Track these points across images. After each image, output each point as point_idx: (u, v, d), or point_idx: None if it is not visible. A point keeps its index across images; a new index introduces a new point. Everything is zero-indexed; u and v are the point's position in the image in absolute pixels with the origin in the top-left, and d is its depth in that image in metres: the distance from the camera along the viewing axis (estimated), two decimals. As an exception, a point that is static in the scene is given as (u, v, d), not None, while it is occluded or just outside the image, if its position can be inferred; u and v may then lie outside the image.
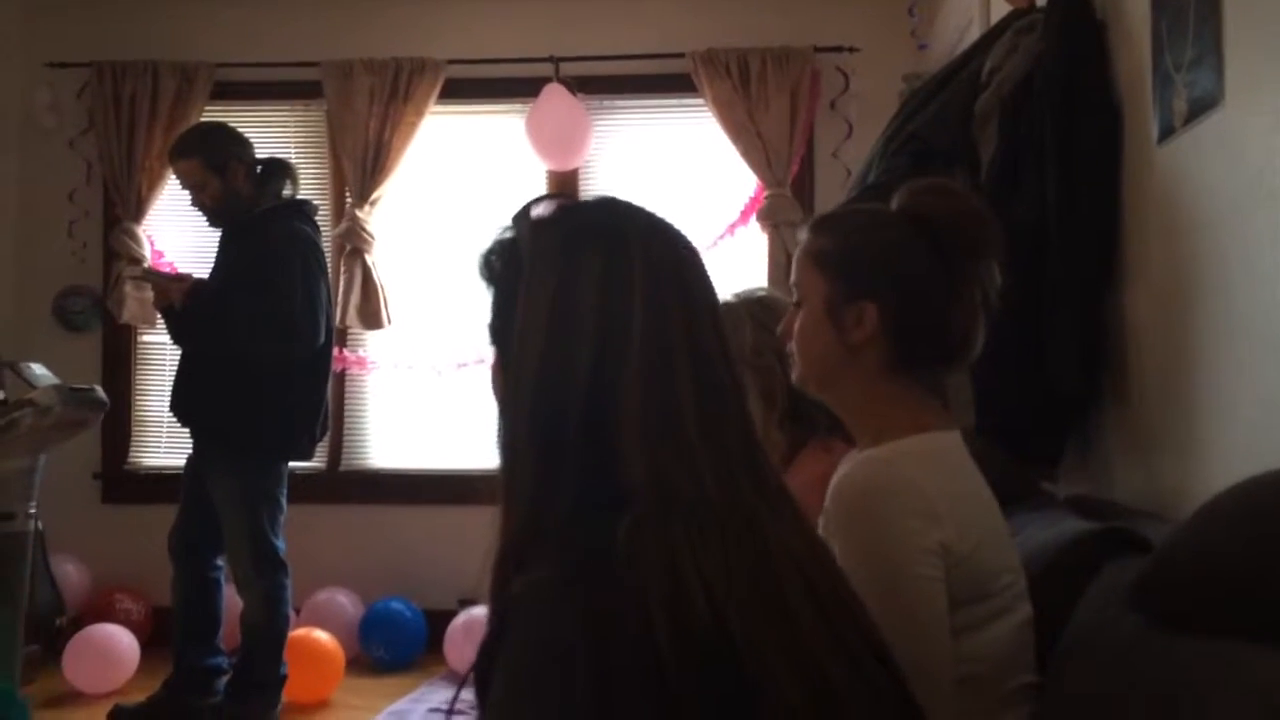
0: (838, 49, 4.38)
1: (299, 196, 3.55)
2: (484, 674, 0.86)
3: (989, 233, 1.31)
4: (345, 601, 4.28)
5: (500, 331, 0.98)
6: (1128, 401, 1.96)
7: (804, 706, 0.82)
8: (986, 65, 2.35)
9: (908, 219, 1.31)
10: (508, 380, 0.96)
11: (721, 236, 4.44)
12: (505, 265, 0.99)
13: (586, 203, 1.00)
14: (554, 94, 4.42)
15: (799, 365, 1.36)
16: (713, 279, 0.99)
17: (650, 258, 0.94)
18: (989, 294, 1.32)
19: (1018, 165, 2.15)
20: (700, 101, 4.43)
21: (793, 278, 1.37)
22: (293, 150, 4.60)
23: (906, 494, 1.18)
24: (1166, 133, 1.78)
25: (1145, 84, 1.85)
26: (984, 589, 1.20)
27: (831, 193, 4.14)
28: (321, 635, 3.81)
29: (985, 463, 1.49)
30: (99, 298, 4.63)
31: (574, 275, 0.93)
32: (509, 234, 1.00)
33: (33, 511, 3.07)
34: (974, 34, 3.14)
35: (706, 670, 0.80)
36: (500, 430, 0.96)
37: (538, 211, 0.98)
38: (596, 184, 4.62)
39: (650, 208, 0.99)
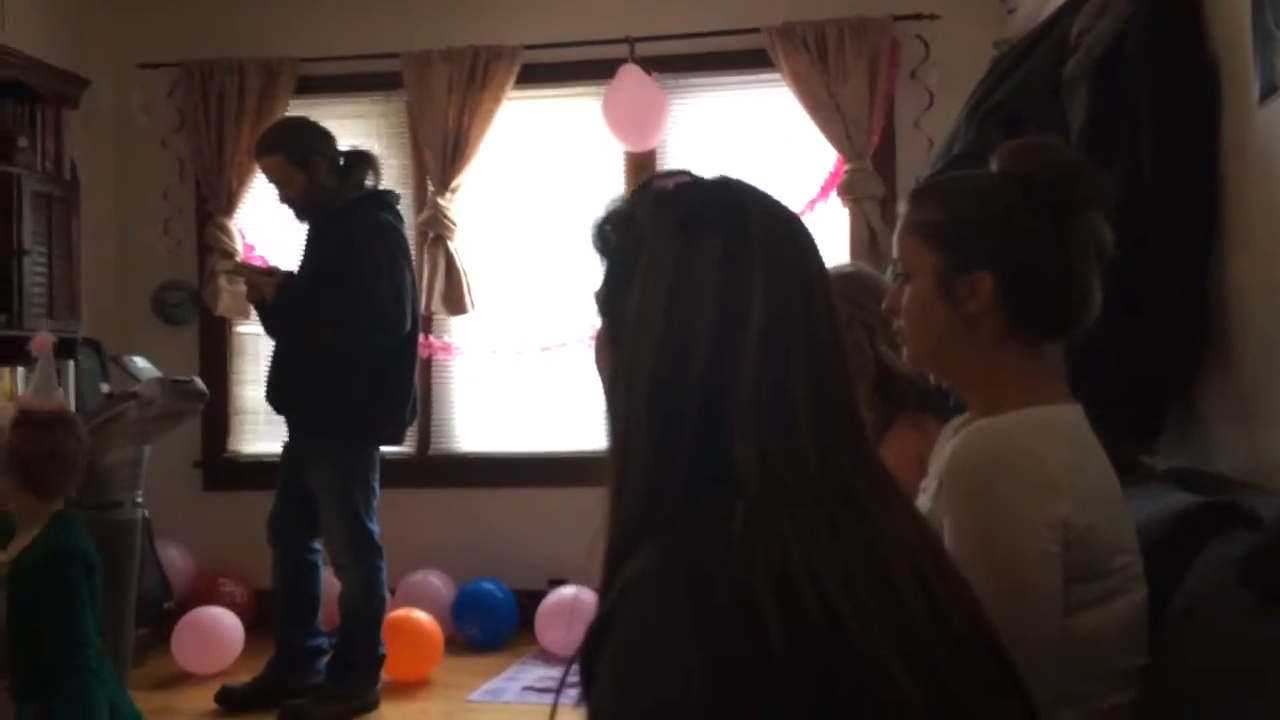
0: (917, 16, 4.29)
1: (382, 186, 3.61)
2: (590, 658, 0.85)
3: (1094, 184, 1.27)
4: (438, 583, 4.37)
5: (611, 303, 0.97)
6: (1230, 371, 1.90)
7: (916, 700, 0.81)
8: (1074, 28, 2.28)
9: (1010, 180, 1.27)
10: (620, 357, 0.94)
11: (801, 213, 4.40)
12: (621, 237, 0.97)
13: (706, 180, 0.98)
14: (629, 75, 4.41)
15: (911, 343, 1.33)
16: (824, 258, 0.98)
17: (770, 237, 0.93)
18: (1103, 249, 1.28)
19: (1109, 131, 2.09)
20: (777, 76, 4.39)
21: (895, 253, 1.34)
22: (375, 141, 4.67)
23: (1027, 465, 1.15)
24: (1268, 92, 1.72)
25: (1244, 42, 1.79)
26: (1099, 567, 1.17)
27: (913, 165, 4.06)
28: (421, 615, 3.89)
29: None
30: (195, 292, 4.77)
31: (696, 253, 0.92)
32: (625, 205, 0.98)
33: (139, 500, 3.18)
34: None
35: (819, 665, 0.80)
36: (612, 408, 0.95)
37: (658, 186, 0.97)
38: (674, 164, 4.61)
39: (763, 187, 0.98)
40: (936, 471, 1.31)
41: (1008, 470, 1.15)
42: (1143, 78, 2.01)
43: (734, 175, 0.99)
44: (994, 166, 1.31)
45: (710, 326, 0.89)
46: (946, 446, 1.32)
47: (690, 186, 0.97)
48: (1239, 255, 1.88)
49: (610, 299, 0.97)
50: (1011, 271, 1.24)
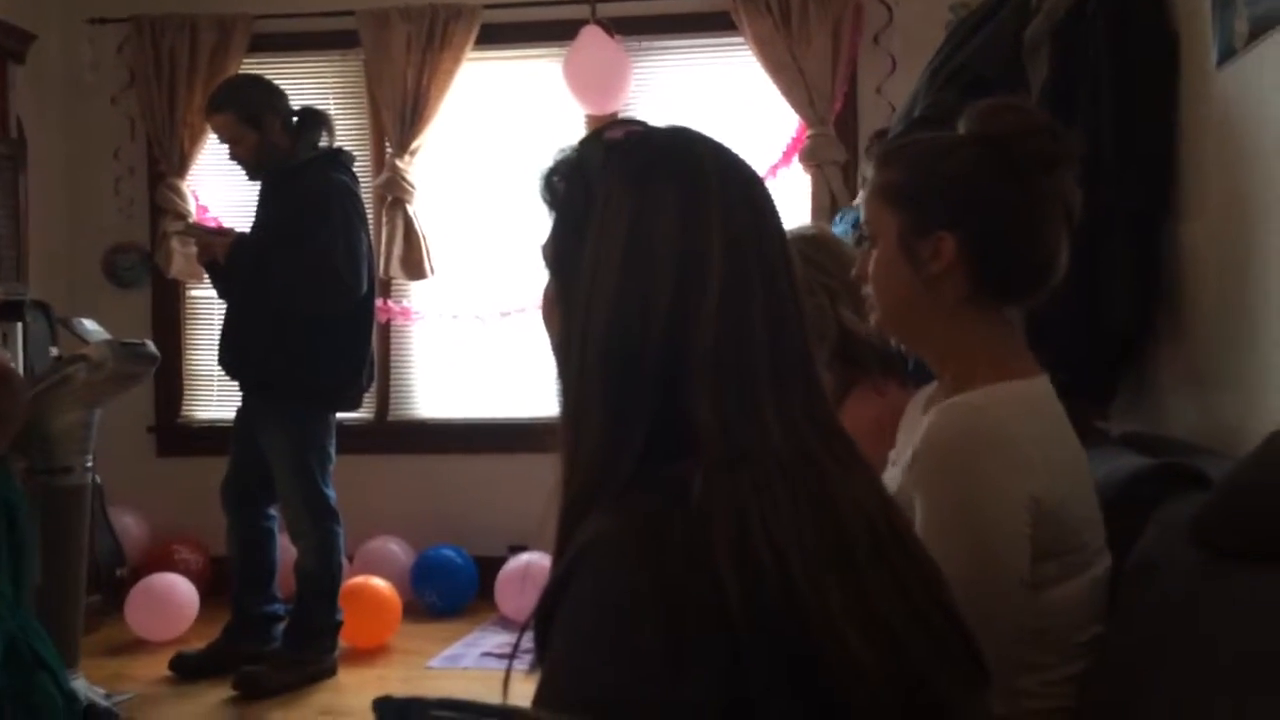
0: (880, -16, 4.27)
1: (336, 145, 3.55)
2: (544, 624, 0.84)
3: (1063, 145, 1.26)
4: (397, 549, 4.35)
5: (560, 259, 0.93)
6: (1183, 336, 1.91)
7: (872, 665, 0.80)
8: (1036, -8, 2.27)
9: (978, 141, 1.25)
10: (572, 314, 0.90)
11: (763, 178, 4.38)
12: (571, 189, 0.93)
13: (658, 129, 0.95)
14: (591, 36, 4.36)
15: (878, 307, 1.31)
16: (780, 210, 0.95)
17: (727, 189, 0.90)
18: (1071, 212, 1.27)
19: (1070, 93, 2.09)
20: (740, 40, 4.35)
21: (863, 216, 1.33)
22: (331, 101, 4.59)
23: (1001, 444, 1.15)
24: (1226, 55, 1.71)
25: (1203, 5, 1.78)
26: (1066, 544, 1.18)
27: (875, 129, 4.05)
28: (379, 582, 3.87)
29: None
30: (147, 254, 4.69)
31: (651, 205, 0.88)
32: (574, 156, 0.94)
33: (90, 465, 3.13)
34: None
35: (775, 629, 0.79)
36: (564, 368, 0.91)
37: (609, 136, 0.93)
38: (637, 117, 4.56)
39: (716, 137, 0.95)
40: (908, 442, 1.30)
41: (982, 449, 1.14)
42: (1103, 41, 2.01)
43: (686, 125, 0.97)
44: (961, 128, 1.30)
45: (668, 282, 0.86)
46: (919, 419, 1.30)
47: (642, 136, 0.94)
48: (1193, 220, 1.88)
49: (560, 254, 0.94)
50: (973, 232, 1.22)
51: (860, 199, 1.40)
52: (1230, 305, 1.73)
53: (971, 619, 0.89)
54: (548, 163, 0.97)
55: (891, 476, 1.29)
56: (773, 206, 0.95)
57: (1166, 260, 1.95)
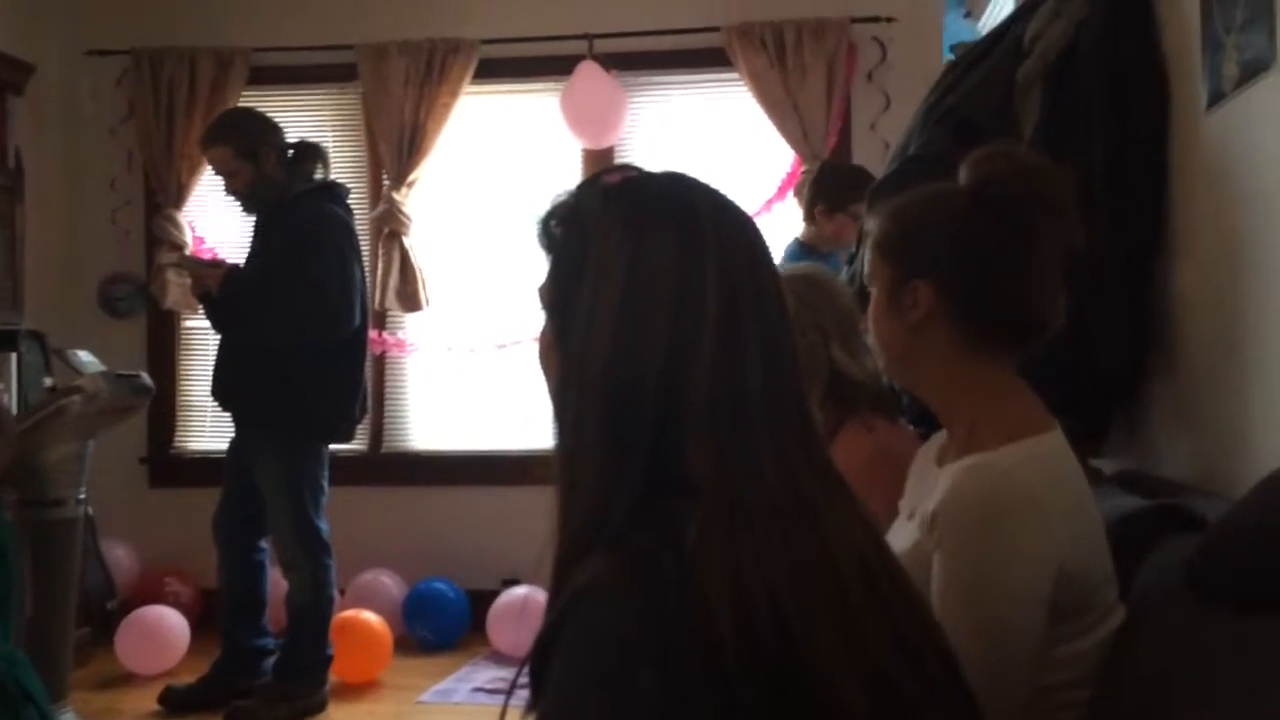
0: (874, 19, 4.32)
1: (331, 178, 3.56)
2: (540, 664, 0.84)
3: (1057, 192, 1.27)
4: (389, 582, 4.32)
5: (557, 302, 0.94)
6: (1175, 376, 1.92)
7: (863, 707, 0.80)
8: (1028, 33, 2.30)
9: (969, 191, 1.27)
10: (569, 357, 0.91)
11: (758, 212, 4.40)
12: (568, 234, 0.94)
13: (654, 175, 0.96)
14: (588, 72, 4.40)
15: (881, 355, 1.35)
16: (774, 256, 0.96)
17: (721, 234, 0.91)
18: (1070, 257, 1.27)
19: (1062, 135, 2.11)
20: (735, 76, 4.40)
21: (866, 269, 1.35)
22: (329, 134, 4.62)
23: (1028, 511, 1.14)
24: (1216, 99, 1.73)
25: (1193, 48, 1.81)
26: (1085, 603, 1.18)
27: (869, 166, 4.07)
28: (370, 616, 3.85)
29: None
30: (142, 284, 4.69)
31: (648, 251, 0.89)
32: (571, 200, 0.96)
33: (82, 497, 3.12)
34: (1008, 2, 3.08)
35: (769, 672, 0.79)
36: (560, 410, 0.92)
37: (606, 181, 0.95)
38: (632, 161, 4.59)
39: (710, 183, 0.96)
40: (921, 494, 1.29)
41: (1009, 515, 1.14)
42: (1094, 83, 2.03)
43: (681, 170, 0.98)
44: (961, 177, 1.30)
45: (665, 326, 0.87)
46: (932, 470, 1.30)
47: (638, 182, 0.95)
48: (1184, 261, 1.90)
49: (557, 298, 0.95)
50: (950, 280, 1.23)
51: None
52: (1221, 346, 1.74)
53: (984, 681, 0.89)
54: (545, 206, 0.98)
55: (907, 530, 1.28)
56: (767, 252, 0.96)
57: (1158, 300, 1.96)
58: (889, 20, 4.30)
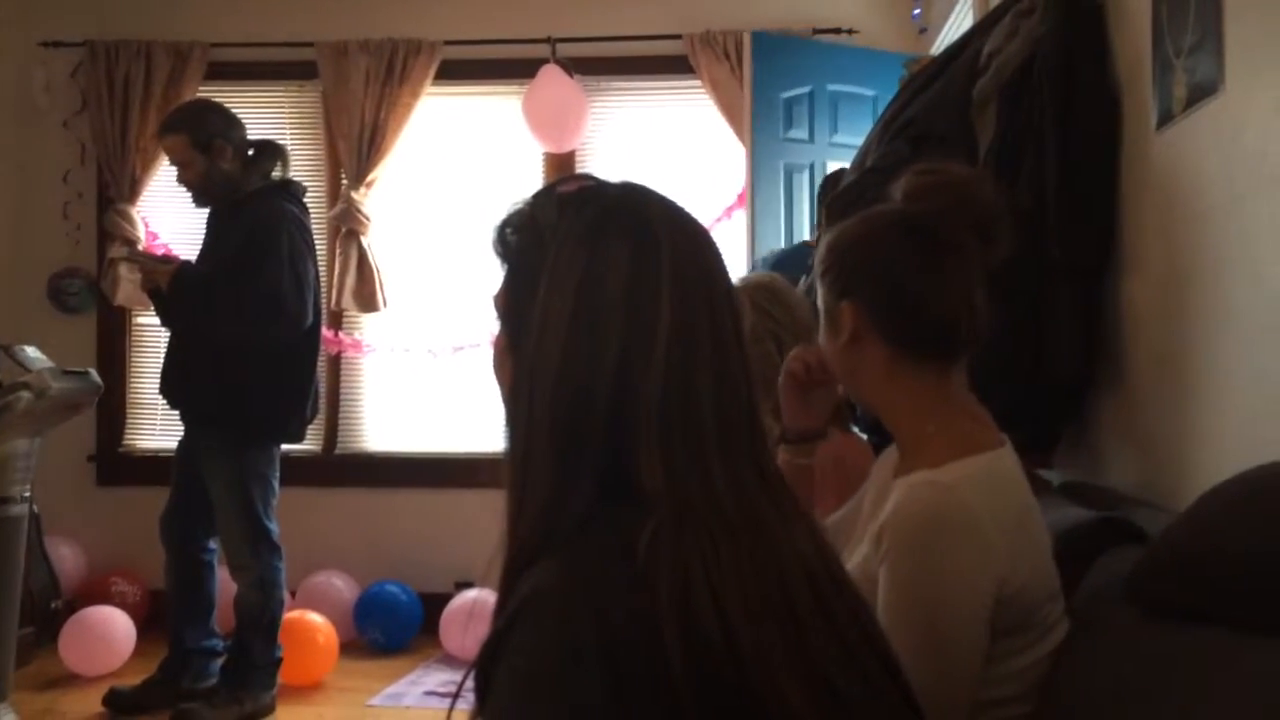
0: (836, 30, 4.36)
1: (287, 176, 3.53)
2: (486, 669, 0.84)
3: (980, 201, 1.29)
4: (341, 584, 4.29)
5: (512, 310, 0.95)
6: (1124, 389, 1.95)
7: (811, 718, 0.81)
8: (985, 49, 2.33)
9: (897, 210, 1.30)
10: (522, 364, 0.92)
11: (718, 220, 4.43)
12: (523, 242, 0.95)
13: (609, 184, 0.97)
14: (550, 75, 4.40)
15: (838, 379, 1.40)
16: (727, 267, 0.97)
17: (675, 245, 0.92)
18: (992, 269, 1.29)
19: (1016, 150, 2.14)
20: (697, 83, 4.41)
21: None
22: (288, 131, 4.58)
23: (968, 528, 1.16)
24: (1165, 119, 1.77)
25: (1145, 69, 1.84)
26: (1028, 619, 1.19)
27: (829, 176, 4.12)
28: (315, 617, 3.81)
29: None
30: (93, 280, 4.62)
31: (602, 260, 0.89)
32: (527, 209, 0.96)
33: (27, 495, 3.06)
34: (966, 15, 3.13)
35: (715, 682, 0.79)
36: (512, 417, 0.92)
37: (561, 190, 0.95)
38: (593, 165, 4.60)
39: (665, 193, 0.97)
40: (876, 508, 1.30)
41: (948, 532, 1.16)
42: (1048, 100, 2.06)
43: (636, 180, 0.98)
44: (894, 195, 1.34)
45: (617, 336, 0.88)
46: (888, 482, 1.32)
47: (594, 191, 0.96)
48: (1133, 276, 1.93)
49: (511, 306, 0.95)
50: (868, 297, 1.27)
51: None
52: (1166, 360, 1.78)
53: (926, 694, 0.90)
54: (501, 214, 0.98)
55: (861, 553, 1.30)
56: (721, 264, 0.96)
57: (1108, 314, 2.00)
58: (850, 32, 4.34)
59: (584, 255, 0.90)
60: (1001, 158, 2.17)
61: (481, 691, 0.85)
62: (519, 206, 0.97)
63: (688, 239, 0.94)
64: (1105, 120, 2.00)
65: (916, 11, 3.93)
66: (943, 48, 3.17)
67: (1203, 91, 1.63)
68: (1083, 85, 2.03)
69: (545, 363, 0.89)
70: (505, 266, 0.97)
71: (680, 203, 0.98)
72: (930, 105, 2.43)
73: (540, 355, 0.89)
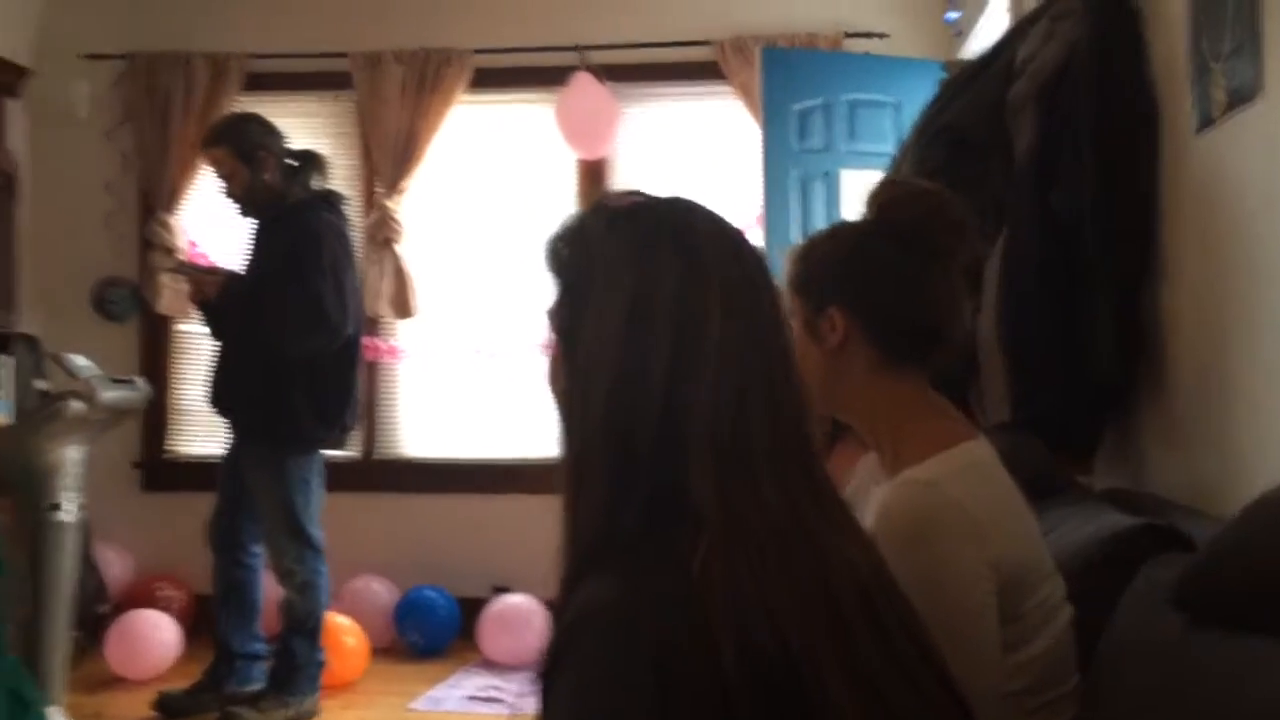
0: (867, 35, 4.36)
1: (328, 187, 3.58)
2: (544, 679, 0.86)
3: (948, 209, 1.32)
4: (380, 589, 4.33)
5: (564, 324, 0.96)
6: (1164, 394, 1.96)
7: None
8: (1021, 53, 2.34)
9: (869, 220, 1.34)
10: (574, 377, 0.94)
11: (749, 226, 4.44)
12: (575, 257, 0.96)
13: (660, 200, 0.99)
14: (581, 82, 4.43)
15: (810, 392, 1.38)
16: (773, 283, 0.99)
17: (723, 259, 0.94)
18: (971, 274, 1.34)
19: (1053, 155, 2.14)
20: (728, 88, 4.43)
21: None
22: (323, 140, 4.63)
23: (954, 518, 1.18)
24: (1205, 123, 1.77)
25: (1182, 73, 1.85)
26: (1027, 603, 1.21)
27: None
28: (345, 620, 3.83)
29: (1021, 456, 1.50)
30: (136, 288, 4.69)
31: (652, 275, 0.91)
32: (578, 224, 0.98)
33: (79, 501, 3.12)
34: (1001, 20, 3.13)
35: (770, 696, 0.81)
36: (566, 428, 0.94)
37: (612, 206, 0.97)
38: (625, 171, 4.63)
39: (711, 207, 0.99)
40: (862, 513, 1.33)
41: (937, 525, 1.18)
42: (1085, 105, 2.07)
43: (683, 195, 1.00)
44: (861, 211, 1.37)
45: (668, 350, 0.89)
46: (869, 488, 1.35)
47: (643, 206, 0.98)
48: (1173, 281, 1.93)
49: (564, 319, 0.97)
50: (858, 302, 1.30)
51: None
52: (1208, 365, 1.78)
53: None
54: (553, 230, 1.00)
55: None
56: (768, 276, 0.98)
57: (1147, 319, 2.00)
58: (882, 36, 4.34)
59: (634, 270, 0.92)
60: (1038, 162, 2.18)
61: (541, 699, 0.88)
62: (570, 222, 0.99)
63: (735, 253, 0.96)
64: (1143, 124, 2.01)
65: (952, 15, 3.92)
66: (975, 51, 3.17)
67: (1242, 96, 1.63)
68: (1119, 89, 2.04)
69: (597, 378, 0.91)
70: (557, 280, 0.98)
71: (726, 216, 1.00)
72: (966, 110, 2.44)
73: (592, 370, 0.91)
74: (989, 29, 3.38)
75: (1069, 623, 1.26)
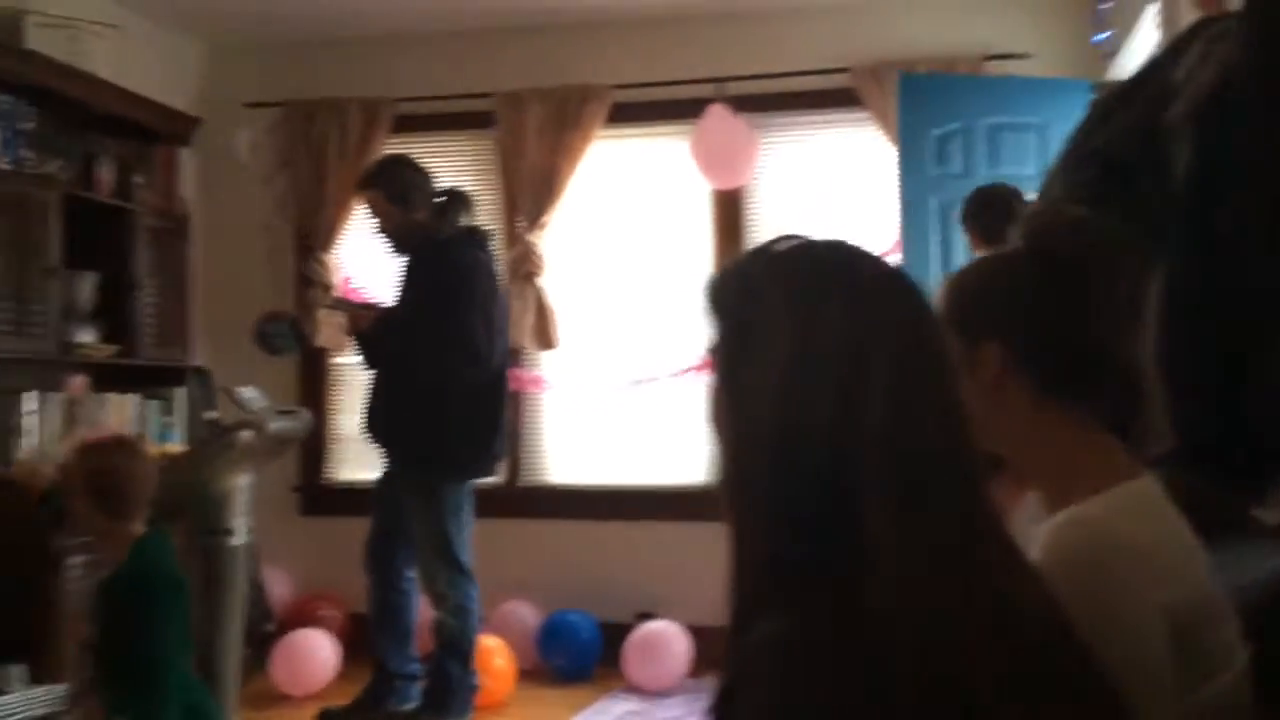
0: (1008, 56, 4.30)
1: (475, 224, 3.72)
2: (720, 714, 0.88)
3: (1103, 236, 1.29)
4: (525, 612, 4.42)
5: (727, 365, 0.98)
6: (1341, 421, 1.88)
7: None
8: (1177, 74, 2.29)
9: (1023, 249, 1.30)
10: (739, 419, 0.95)
11: (889, 252, 4.41)
12: (737, 300, 0.98)
13: (823, 243, 1.00)
14: (717, 114, 4.48)
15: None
16: (939, 324, 1.00)
17: (887, 300, 0.95)
18: (1135, 305, 1.29)
19: (1214, 178, 2.09)
20: (866, 115, 4.42)
21: None
22: (467, 178, 4.80)
23: (1121, 558, 1.14)
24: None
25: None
26: (1200, 645, 1.17)
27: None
28: (492, 641, 3.93)
29: (1189, 490, 1.46)
30: (295, 323, 4.92)
31: (816, 318, 0.93)
32: (740, 267, 1.00)
33: (247, 526, 3.30)
34: (1151, 39, 3.06)
35: None
36: (731, 469, 0.96)
37: (773, 249, 0.99)
38: (762, 202, 4.66)
39: (875, 253, 1.00)
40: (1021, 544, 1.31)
41: (1103, 566, 1.13)
42: (1249, 124, 2.01)
43: (848, 240, 1.01)
44: (1012, 240, 1.34)
45: (834, 392, 0.90)
46: (1026, 529, 1.32)
47: (805, 250, 0.99)
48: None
49: (726, 362, 0.98)
50: (1014, 336, 1.25)
51: None
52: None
53: None
54: (715, 273, 1.03)
55: None
56: (931, 314, 0.99)
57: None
58: (1024, 57, 4.28)
59: (799, 312, 0.93)
60: (1199, 185, 2.12)
61: None
62: (732, 265, 1.02)
63: (900, 293, 0.97)
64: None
65: (1102, 35, 3.84)
66: (1123, 71, 3.11)
67: None
68: (1284, 109, 1.97)
69: (763, 420, 0.92)
70: (719, 323, 1.00)
71: (890, 262, 1.02)
72: (1120, 133, 2.38)
73: (758, 413, 0.92)
74: (1139, 48, 3.31)
75: (1245, 665, 1.22)
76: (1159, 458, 1.95)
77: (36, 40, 3.90)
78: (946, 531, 0.89)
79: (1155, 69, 2.46)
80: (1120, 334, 1.28)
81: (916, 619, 0.84)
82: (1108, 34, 3.79)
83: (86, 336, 4.07)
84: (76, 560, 3.54)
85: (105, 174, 4.23)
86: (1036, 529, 1.26)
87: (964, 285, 1.34)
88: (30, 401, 3.81)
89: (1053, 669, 0.89)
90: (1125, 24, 3.53)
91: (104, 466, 2.42)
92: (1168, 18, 2.99)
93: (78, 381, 3.23)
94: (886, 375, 0.91)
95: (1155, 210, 2.25)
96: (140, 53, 4.36)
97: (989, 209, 3.45)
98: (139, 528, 2.44)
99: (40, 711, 3.18)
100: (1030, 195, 3.52)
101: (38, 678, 3.29)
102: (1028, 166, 3.85)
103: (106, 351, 4.12)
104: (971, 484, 0.94)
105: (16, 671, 3.22)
